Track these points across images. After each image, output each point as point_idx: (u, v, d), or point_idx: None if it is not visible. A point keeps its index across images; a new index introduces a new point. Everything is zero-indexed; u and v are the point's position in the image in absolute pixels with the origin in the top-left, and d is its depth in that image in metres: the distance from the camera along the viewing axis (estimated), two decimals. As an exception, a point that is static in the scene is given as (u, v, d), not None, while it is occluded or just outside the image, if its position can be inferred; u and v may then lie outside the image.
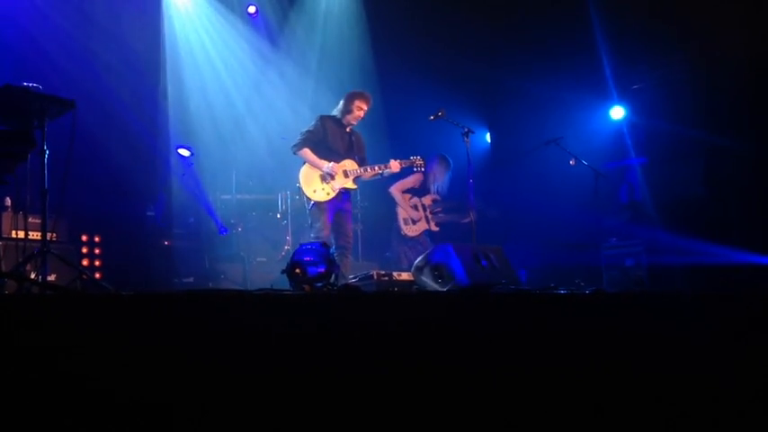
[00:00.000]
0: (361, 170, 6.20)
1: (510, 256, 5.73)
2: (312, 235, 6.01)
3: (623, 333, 2.67)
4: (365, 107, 6.24)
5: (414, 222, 7.28)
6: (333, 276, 4.06)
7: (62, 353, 1.67)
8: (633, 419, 2.41)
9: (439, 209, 7.41)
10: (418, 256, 5.24)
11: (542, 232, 8.18)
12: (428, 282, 5.40)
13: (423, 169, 6.70)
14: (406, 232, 7.26)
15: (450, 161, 7.30)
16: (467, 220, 7.08)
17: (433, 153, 7.20)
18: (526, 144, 8.30)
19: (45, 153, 3.98)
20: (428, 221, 7.29)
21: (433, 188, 7.35)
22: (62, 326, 1.71)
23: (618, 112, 8.39)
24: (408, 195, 7.33)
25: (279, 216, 7.92)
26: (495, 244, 6.01)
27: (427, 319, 2.46)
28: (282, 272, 4.11)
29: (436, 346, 2.38)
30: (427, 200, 7.38)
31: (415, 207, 7.31)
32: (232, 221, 7.87)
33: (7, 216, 5.64)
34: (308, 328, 2.18)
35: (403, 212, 7.27)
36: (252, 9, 8.92)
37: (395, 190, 7.34)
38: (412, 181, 7.35)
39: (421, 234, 7.23)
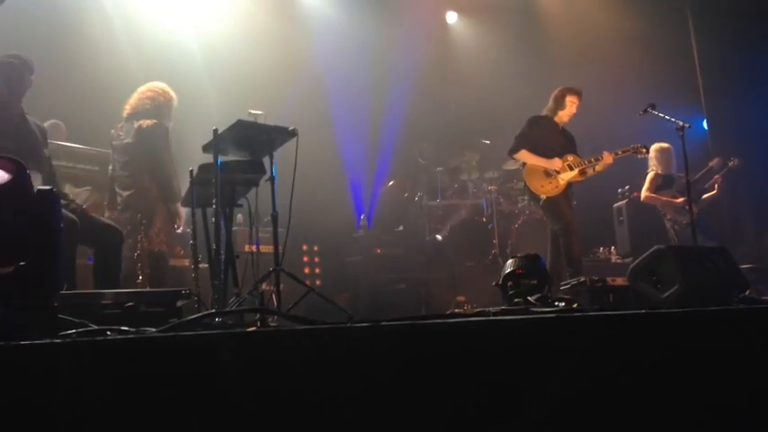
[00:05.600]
0: (586, 162, 6.07)
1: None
2: (556, 228, 5.97)
3: None
4: (578, 101, 6.13)
5: (685, 209, 6.96)
6: (546, 288, 4.03)
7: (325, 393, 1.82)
8: None
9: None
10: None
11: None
12: (645, 287, 5.15)
13: (646, 155, 6.56)
14: (679, 219, 6.99)
15: (665, 145, 7.06)
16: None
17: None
18: (753, 131, 7.58)
19: (274, 179, 4.36)
20: (699, 195, 6.97)
21: (674, 172, 7.05)
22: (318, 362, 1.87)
23: None
24: (663, 193, 7.07)
25: (484, 220, 7.98)
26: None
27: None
28: (495, 284, 4.15)
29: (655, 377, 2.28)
30: (680, 183, 7.02)
31: (675, 196, 7.03)
32: (438, 226, 8.08)
33: (242, 232, 6.26)
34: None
35: (669, 211, 7.04)
36: None
37: (646, 197, 7.15)
38: (651, 179, 7.13)
39: (697, 214, 6.87)
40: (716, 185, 7.06)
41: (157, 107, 5.33)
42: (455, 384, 2.01)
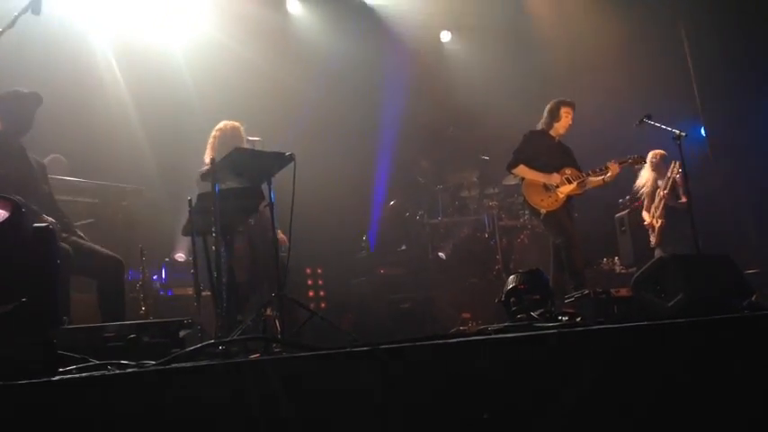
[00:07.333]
0: (584, 175, 6.08)
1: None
2: (558, 242, 5.95)
3: None
4: (572, 112, 6.18)
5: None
6: (549, 303, 4.02)
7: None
8: None
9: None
10: None
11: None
12: (649, 297, 5.11)
13: (643, 164, 6.61)
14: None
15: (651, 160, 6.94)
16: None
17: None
18: (752, 137, 7.56)
19: (273, 205, 4.36)
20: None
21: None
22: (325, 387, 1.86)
23: None
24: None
25: (487, 236, 7.97)
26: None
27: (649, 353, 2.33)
28: (497, 301, 4.14)
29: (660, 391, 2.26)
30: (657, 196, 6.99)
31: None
32: (441, 244, 8.07)
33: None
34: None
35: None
36: None
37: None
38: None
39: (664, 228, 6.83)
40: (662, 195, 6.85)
41: (219, 152, 5.20)
42: (456, 404, 2.01)
